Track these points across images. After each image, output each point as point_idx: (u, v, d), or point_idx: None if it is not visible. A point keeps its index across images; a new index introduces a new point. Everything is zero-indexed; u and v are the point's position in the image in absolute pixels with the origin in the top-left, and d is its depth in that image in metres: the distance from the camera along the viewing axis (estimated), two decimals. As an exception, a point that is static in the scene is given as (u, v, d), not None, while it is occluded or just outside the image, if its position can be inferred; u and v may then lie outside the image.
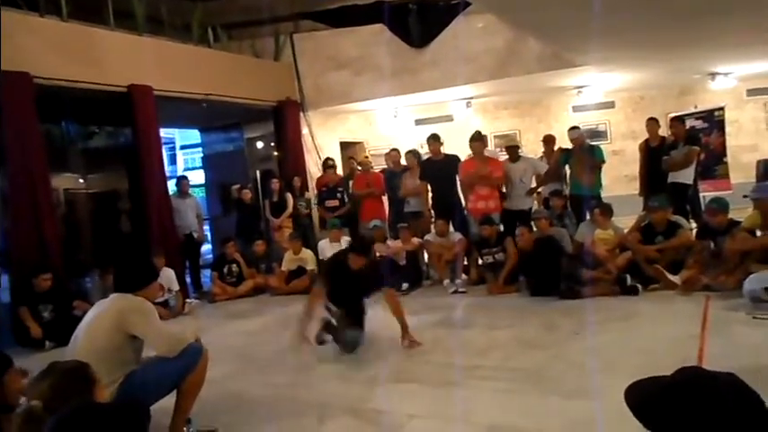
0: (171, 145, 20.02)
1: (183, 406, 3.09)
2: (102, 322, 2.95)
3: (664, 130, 7.58)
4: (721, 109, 8.67)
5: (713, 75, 9.88)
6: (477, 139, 7.16)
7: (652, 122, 7.38)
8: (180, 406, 3.09)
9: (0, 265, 6.37)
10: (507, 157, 7.41)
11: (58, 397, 1.88)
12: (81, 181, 8.23)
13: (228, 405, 3.69)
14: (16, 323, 5.85)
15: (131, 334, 2.95)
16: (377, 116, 11.21)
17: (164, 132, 16.50)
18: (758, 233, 5.20)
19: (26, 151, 5.98)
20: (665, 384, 1.15)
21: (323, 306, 4.64)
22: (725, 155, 8.44)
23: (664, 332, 4.27)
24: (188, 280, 8.09)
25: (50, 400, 1.87)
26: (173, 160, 20.64)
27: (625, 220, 6.65)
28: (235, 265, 7.75)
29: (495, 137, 10.98)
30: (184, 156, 20.06)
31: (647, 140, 7.46)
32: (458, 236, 7.02)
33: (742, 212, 6.32)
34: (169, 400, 3.05)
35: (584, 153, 7.18)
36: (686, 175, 6.92)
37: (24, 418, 1.78)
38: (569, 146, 7.50)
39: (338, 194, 8.42)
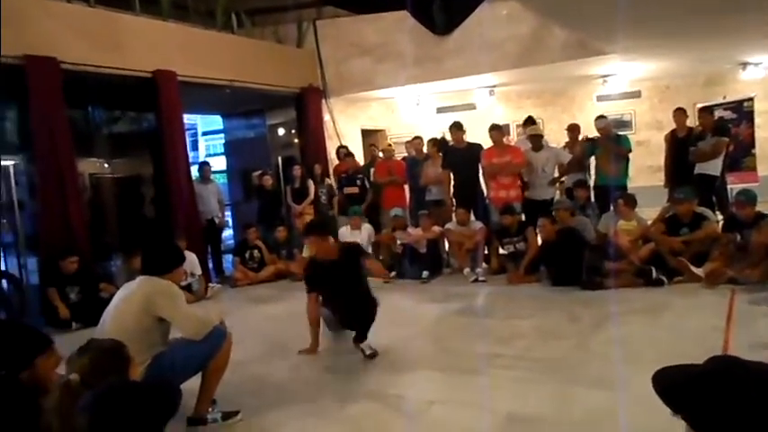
0: (193, 131, 20.17)
1: (208, 388, 3.15)
2: (131, 305, 3.00)
3: (690, 121, 7.45)
4: (750, 99, 8.49)
5: (744, 64, 9.67)
6: (496, 129, 7.13)
7: (679, 113, 7.25)
8: (205, 388, 3.15)
9: (28, 248, 6.52)
10: (530, 145, 7.36)
11: (96, 372, 1.94)
12: (106, 166, 8.35)
13: (251, 388, 3.74)
14: (45, 304, 5.99)
15: (159, 317, 3.00)
16: (399, 104, 11.18)
17: (186, 118, 16.71)
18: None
19: (53, 136, 6.06)
20: (698, 371, 1.15)
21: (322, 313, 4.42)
22: (753, 146, 8.29)
23: (687, 325, 4.23)
24: (210, 265, 8.18)
25: (88, 374, 1.91)
26: (195, 146, 20.79)
27: (649, 212, 6.58)
28: (256, 251, 7.82)
29: (518, 126, 10.88)
30: (206, 142, 20.20)
31: (673, 131, 7.34)
32: (479, 224, 7.00)
33: (768, 205, 6.22)
34: (194, 382, 3.11)
35: (611, 142, 7.09)
36: (713, 167, 6.81)
37: (63, 391, 1.83)
38: (594, 135, 7.41)
39: (357, 181, 8.42)
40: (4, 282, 6.52)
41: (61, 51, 6.13)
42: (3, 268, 6.73)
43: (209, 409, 3.14)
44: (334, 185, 8.78)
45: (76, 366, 1.93)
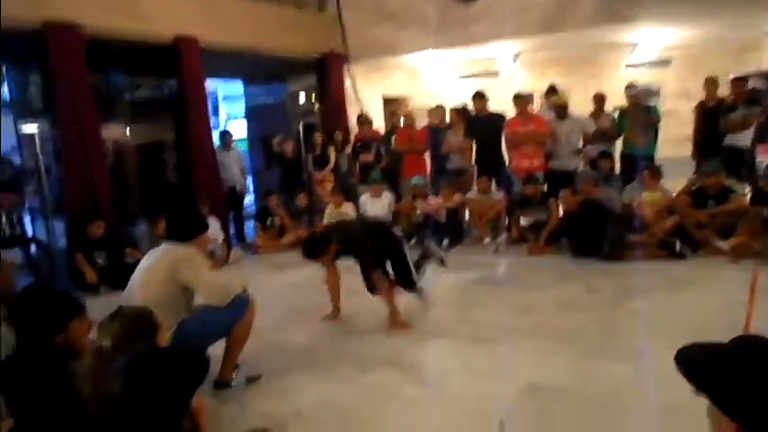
0: (214, 96, 20.16)
1: (232, 353, 3.23)
2: (156, 273, 3.05)
3: (721, 91, 7.24)
4: (786, 68, 8.21)
5: (778, 32, 9.33)
6: (521, 98, 7.03)
7: (710, 82, 7.05)
8: (229, 353, 3.23)
9: (55, 213, 6.64)
10: (554, 115, 7.23)
11: (127, 337, 2.01)
12: (127, 132, 8.42)
13: (273, 353, 3.82)
14: (72, 269, 6.12)
15: (183, 284, 3.06)
16: (422, 71, 11.01)
17: (207, 84, 16.67)
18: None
19: (76, 102, 6.10)
20: (721, 350, 1.15)
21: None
22: (786, 118, 8.03)
23: (710, 299, 4.19)
24: (231, 231, 8.28)
25: (120, 340, 1.99)
26: (215, 111, 20.82)
27: (676, 183, 6.47)
28: (277, 218, 7.88)
29: (540, 96, 10.67)
30: (227, 107, 20.19)
31: (702, 101, 7.14)
32: (500, 194, 6.96)
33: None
34: (218, 347, 3.19)
35: (641, 112, 6.94)
36: (743, 138, 6.65)
37: (95, 356, 1.89)
38: (622, 105, 7.25)
39: (373, 149, 8.34)
40: (33, 247, 6.68)
41: (82, 17, 6.11)
42: (31, 234, 6.89)
43: (233, 374, 3.22)
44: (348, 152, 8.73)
45: (108, 332, 1.99)
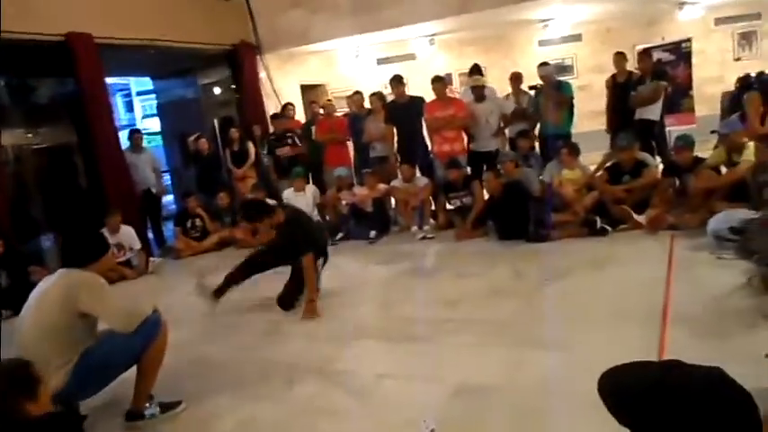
0: (127, 92, 19.13)
1: (144, 381, 2.98)
2: (49, 301, 2.78)
3: (631, 64, 7.43)
4: (688, 41, 8.54)
5: (681, 4, 9.69)
6: (439, 81, 6.96)
7: (619, 57, 7.21)
8: (141, 381, 2.98)
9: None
10: (472, 97, 7.21)
11: None
12: (29, 136, 7.82)
13: (193, 371, 3.60)
14: (-31, 292, 5.60)
15: (82, 312, 2.79)
16: (338, 57, 10.78)
17: (117, 79, 15.75)
18: (723, 170, 5.19)
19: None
20: (644, 384, 1.07)
21: None
22: (690, 88, 8.39)
23: (631, 275, 4.26)
24: (150, 236, 7.86)
25: None
26: (129, 107, 19.78)
27: (592, 157, 6.60)
28: (198, 220, 7.54)
29: (460, 75, 10.70)
30: (141, 103, 19.21)
31: (613, 76, 7.30)
32: (424, 180, 6.91)
33: (705, 146, 6.32)
34: (134, 371, 2.95)
35: (552, 90, 7.01)
36: (653, 111, 6.85)
37: None
38: (537, 83, 7.30)
39: (289, 140, 8.01)
40: None
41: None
42: None
43: (147, 405, 2.98)
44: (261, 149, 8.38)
45: None
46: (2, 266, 5.69)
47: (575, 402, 2.45)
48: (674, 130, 7.73)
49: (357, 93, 8.02)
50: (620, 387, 1.09)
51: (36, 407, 1.87)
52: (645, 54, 7.17)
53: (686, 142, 5.43)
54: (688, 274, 4.05)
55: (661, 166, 6.16)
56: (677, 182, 5.44)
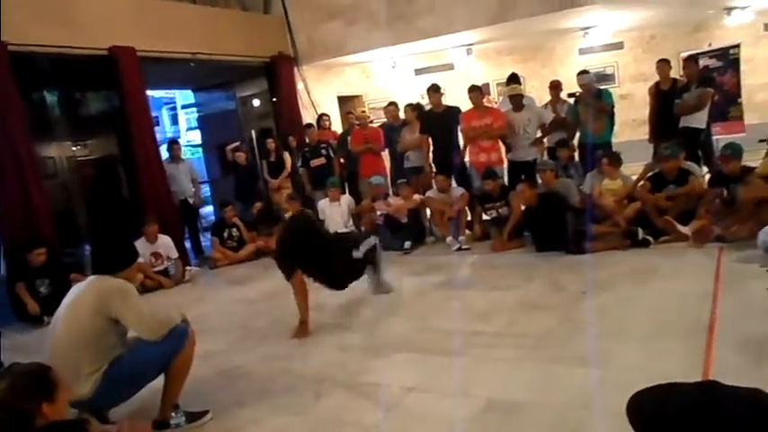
0: (172, 105, 19.68)
1: (171, 390, 2.98)
2: (81, 308, 2.81)
3: (676, 71, 7.19)
4: (737, 47, 8.24)
5: (729, 9, 9.34)
6: (475, 90, 6.87)
7: (663, 64, 6.98)
8: (167, 390, 2.98)
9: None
10: (510, 106, 7.09)
11: (17, 397, 1.84)
12: (75, 148, 8.07)
13: (222, 382, 3.58)
14: (14, 299, 5.76)
15: (112, 318, 2.81)
16: (374, 68, 10.80)
17: (163, 93, 16.19)
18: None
19: (7, 121, 5.75)
20: (673, 407, 0.97)
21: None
22: (739, 95, 8.07)
23: (675, 288, 4.08)
24: (188, 246, 7.97)
25: (9, 400, 1.82)
26: (174, 120, 20.35)
27: (634, 167, 6.39)
28: (235, 230, 7.60)
29: (498, 84, 10.59)
30: (186, 116, 19.72)
31: (657, 83, 7.08)
32: (460, 191, 6.81)
33: (755, 155, 6.04)
34: (159, 380, 2.96)
35: (592, 99, 6.83)
36: (699, 119, 6.59)
37: None
38: (576, 91, 7.14)
39: (323, 151, 8.03)
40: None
41: (8, 32, 5.74)
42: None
43: (172, 414, 2.97)
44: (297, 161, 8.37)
45: None
46: (45, 275, 5.84)
47: (610, 421, 2.31)
48: (721, 138, 7.43)
49: (392, 103, 8.01)
50: (651, 410, 0.99)
51: (52, 410, 1.88)
52: (690, 60, 6.92)
53: (734, 151, 5.19)
54: (737, 289, 3.84)
55: (707, 176, 5.91)
56: (725, 192, 5.20)
